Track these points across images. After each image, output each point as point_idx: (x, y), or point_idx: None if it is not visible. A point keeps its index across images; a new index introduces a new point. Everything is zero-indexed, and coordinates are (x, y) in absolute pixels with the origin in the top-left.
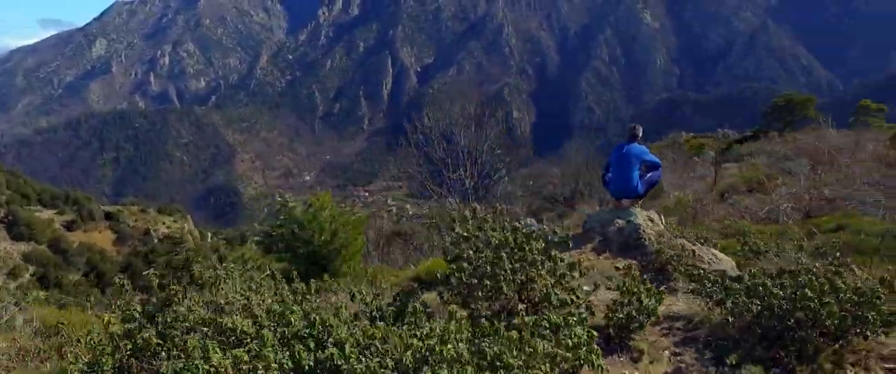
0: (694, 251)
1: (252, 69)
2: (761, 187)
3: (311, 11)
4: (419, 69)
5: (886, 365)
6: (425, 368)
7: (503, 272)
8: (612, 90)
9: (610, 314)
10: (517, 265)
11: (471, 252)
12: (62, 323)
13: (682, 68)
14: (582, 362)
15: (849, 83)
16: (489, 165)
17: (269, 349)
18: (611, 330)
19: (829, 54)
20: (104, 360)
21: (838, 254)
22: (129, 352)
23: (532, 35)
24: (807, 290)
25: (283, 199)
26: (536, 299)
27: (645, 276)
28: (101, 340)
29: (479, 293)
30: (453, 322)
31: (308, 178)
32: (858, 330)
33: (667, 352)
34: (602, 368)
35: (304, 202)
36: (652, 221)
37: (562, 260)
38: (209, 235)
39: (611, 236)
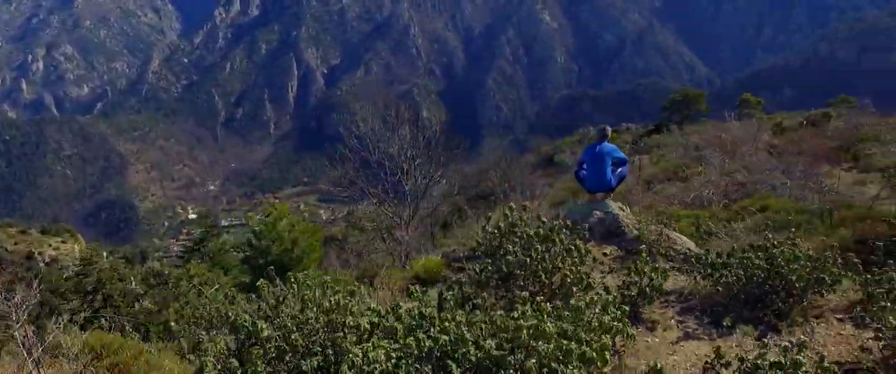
0: (668, 235)
1: (143, 74)
2: (678, 176)
3: (207, 12)
4: (326, 71)
5: (837, 316)
6: (540, 343)
7: (541, 261)
8: (518, 89)
9: (624, 292)
10: (547, 255)
11: (510, 246)
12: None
13: (581, 66)
14: (617, 332)
15: (725, 78)
16: (424, 166)
17: (409, 339)
18: (626, 305)
19: (707, 52)
20: (257, 363)
21: (794, 229)
22: (273, 354)
23: (438, 35)
24: (780, 260)
25: (184, 210)
26: (567, 283)
27: (631, 259)
28: (252, 339)
29: (520, 281)
30: (529, 306)
31: (212, 187)
32: (815, 290)
33: (672, 321)
34: (633, 337)
35: (260, 213)
36: (623, 211)
37: (582, 250)
38: (104, 254)
39: (593, 226)
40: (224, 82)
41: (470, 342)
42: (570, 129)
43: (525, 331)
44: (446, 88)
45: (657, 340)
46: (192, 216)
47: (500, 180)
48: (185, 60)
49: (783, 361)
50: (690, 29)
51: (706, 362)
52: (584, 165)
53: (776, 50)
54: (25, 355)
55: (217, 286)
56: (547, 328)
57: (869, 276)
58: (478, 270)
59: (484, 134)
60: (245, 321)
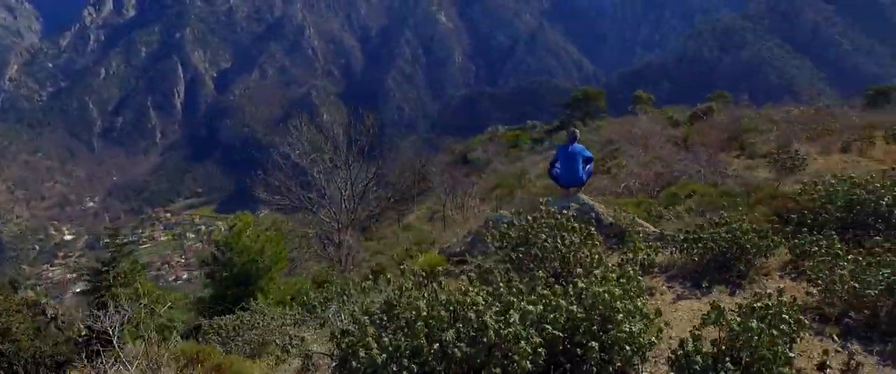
0: (637, 220)
1: None
2: (600, 170)
3: (73, 12)
4: (216, 75)
5: (778, 273)
6: (617, 303)
7: (569, 245)
8: (418, 88)
9: (625, 267)
10: (568, 241)
11: (543, 235)
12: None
13: (478, 65)
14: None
15: (610, 75)
16: (360, 169)
17: (532, 308)
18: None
19: (593, 51)
20: (420, 336)
21: (741, 208)
22: (426, 330)
23: (335, 36)
24: (738, 232)
25: (59, 231)
26: (586, 263)
27: (611, 241)
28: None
29: (552, 263)
30: (593, 278)
31: (92, 204)
32: (763, 254)
33: (664, 287)
34: (647, 299)
35: (226, 226)
36: (595, 202)
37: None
38: None
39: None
40: (99, 89)
41: (563, 308)
42: (471, 127)
43: (607, 295)
44: (346, 89)
45: (659, 301)
46: (69, 238)
47: (441, 181)
48: (50, 65)
49: (769, 303)
50: (577, 29)
51: (710, 309)
52: (557, 164)
53: (653, 48)
54: (128, 365)
55: (169, 304)
56: (616, 293)
57: (796, 241)
58: (513, 256)
59: (388, 134)
60: (375, 309)
